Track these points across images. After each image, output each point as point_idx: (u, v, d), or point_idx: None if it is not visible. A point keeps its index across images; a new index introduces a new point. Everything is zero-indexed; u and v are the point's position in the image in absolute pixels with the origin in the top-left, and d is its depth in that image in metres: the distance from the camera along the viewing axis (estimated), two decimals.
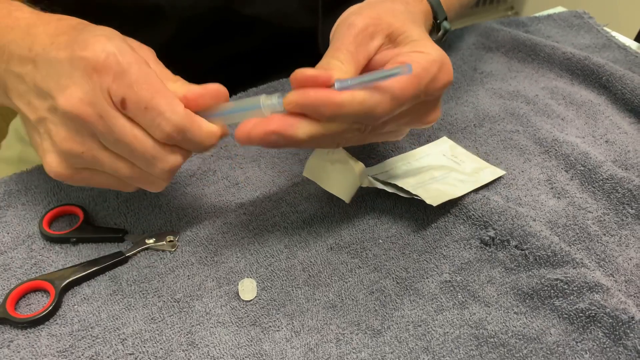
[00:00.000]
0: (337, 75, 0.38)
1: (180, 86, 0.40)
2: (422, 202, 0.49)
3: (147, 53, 0.41)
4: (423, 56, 0.40)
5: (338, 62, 0.39)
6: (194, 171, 0.53)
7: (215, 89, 0.40)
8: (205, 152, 0.40)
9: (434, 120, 0.44)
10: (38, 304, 0.43)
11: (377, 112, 0.38)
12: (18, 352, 0.40)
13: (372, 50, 0.41)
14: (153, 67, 0.39)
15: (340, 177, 0.48)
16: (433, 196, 0.48)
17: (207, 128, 0.39)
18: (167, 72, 0.41)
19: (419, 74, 0.39)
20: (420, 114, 0.43)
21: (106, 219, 0.49)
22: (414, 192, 0.48)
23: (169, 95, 0.37)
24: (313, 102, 0.37)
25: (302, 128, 0.38)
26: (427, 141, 0.57)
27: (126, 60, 0.36)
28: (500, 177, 0.53)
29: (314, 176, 0.48)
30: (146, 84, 0.36)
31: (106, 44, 0.36)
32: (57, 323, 0.42)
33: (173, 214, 0.50)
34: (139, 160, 0.39)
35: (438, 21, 0.53)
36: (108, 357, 0.40)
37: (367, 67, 0.42)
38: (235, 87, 0.61)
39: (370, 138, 0.43)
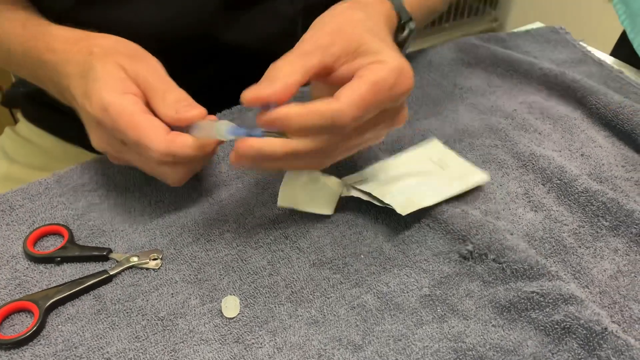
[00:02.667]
0: (283, 81, 0.41)
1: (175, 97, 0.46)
2: (401, 217, 0.50)
3: (149, 66, 0.47)
4: (381, 66, 0.42)
5: (284, 69, 0.42)
6: (179, 189, 0.54)
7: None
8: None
9: (404, 121, 0.47)
10: (22, 325, 0.44)
11: (340, 121, 0.41)
12: None
13: (328, 57, 0.43)
14: (157, 79, 0.47)
15: (315, 195, 0.49)
16: (403, 205, 0.49)
17: (192, 143, 0.44)
18: (169, 84, 0.47)
19: (377, 82, 0.42)
20: (389, 118, 0.46)
21: (90, 237, 0.50)
22: (386, 202, 0.49)
23: (152, 130, 0.44)
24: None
25: (277, 143, 0.41)
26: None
27: (116, 112, 0.44)
28: (479, 191, 0.54)
29: (290, 203, 0.50)
30: (132, 128, 0.44)
31: (102, 99, 0.44)
32: (41, 343, 0.42)
33: (157, 232, 0.50)
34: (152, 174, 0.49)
35: (402, 22, 0.56)
36: None
37: (331, 79, 0.45)
38: (221, 109, 0.63)
39: (353, 147, 0.46)
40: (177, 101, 0.46)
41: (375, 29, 0.47)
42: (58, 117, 0.72)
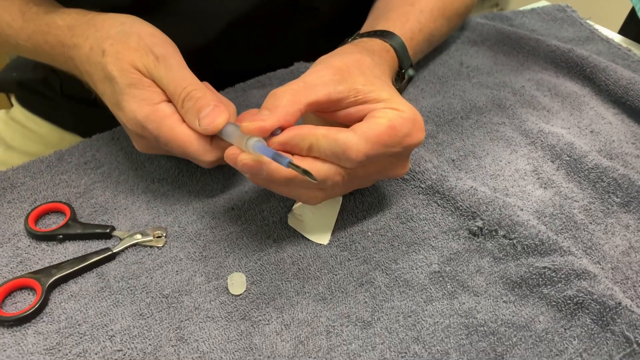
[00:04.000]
0: (284, 111, 0.40)
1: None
2: (408, 194, 0.50)
3: (161, 62, 0.45)
4: (398, 114, 0.42)
5: (285, 98, 0.41)
6: (182, 167, 0.53)
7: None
8: None
9: (401, 175, 0.47)
10: (24, 302, 0.43)
11: (351, 152, 0.40)
12: (4, 350, 0.40)
13: (335, 94, 0.42)
14: (171, 80, 0.45)
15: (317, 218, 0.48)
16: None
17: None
18: (184, 82, 0.45)
19: (394, 126, 0.41)
20: (390, 166, 0.45)
21: (93, 215, 0.49)
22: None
23: (197, 142, 0.44)
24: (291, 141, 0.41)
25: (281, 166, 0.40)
26: None
27: (154, 127, 0.44)
28: (487, 169, 0.53)
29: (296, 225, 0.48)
30: (176, 143, 0.44)
31: (136, 117, 0.44)
32: (43, 321, 0.42)
33: (160, 210, 0.49)
34: None
35: (403, 70, 0.55)
36: (96, 354, 0.40)
37: (335, 116, 0.44)
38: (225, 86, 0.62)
39: (349, 188, 0.46)
40: (197, 110, 0.44)
41: (383, 77, 0.47)
42: (53, 104, 0.71)
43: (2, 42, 0.54)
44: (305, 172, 0.38)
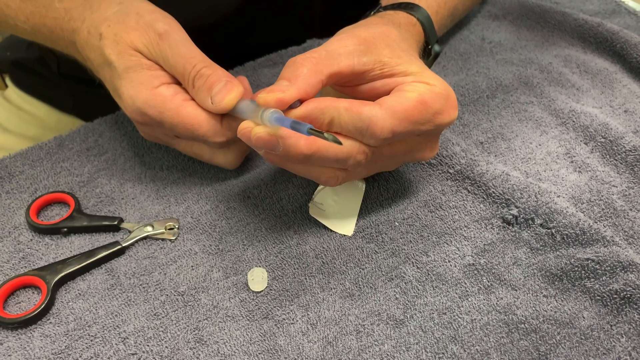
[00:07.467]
0: (304, 82, 0.37)
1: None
2: (436, 180, 0.47)
3: (165, 42, 0.42)
4: (430, 88, 0.39)
5: (305, 67, 0.37)
6: None
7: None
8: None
9: (430, 157, 0.43)
10: (29, 302, 0.40)
11: (376, 128, 0.37)
12: (9, 355, 0.37)
13: (359, 65, 0.39)
14: (178, 59, 0.41)
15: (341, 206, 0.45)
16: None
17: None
18: (192, 60, 0.42)
19: (425, 101, 0.38)
20: (418, 147, 0.41)
21: (99, 206, 0.45)
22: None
23: (206, 122, 0.41)
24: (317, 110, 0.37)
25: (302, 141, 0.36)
26: None
27: (157, 112, 0.41)
28: (517, 152, 0.50)
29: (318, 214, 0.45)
30: (183, 125, 0.41)
31: (135, 103, 0.41)
32: (50, 322, 0.39)
33: (171, 199, 0.46)
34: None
35: (429, 46, 0.51)
36: (108, 358, 0.37)
37: (358, 90, 0.41)
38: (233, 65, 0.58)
39: (372, 168, 0.42)
40: (209, 87, 0.40)
41: (411, 51, 0.43)
42: (51, 84, 0.67)
43: (0, 22, 0.50)
44: (332, 137, 0.34)
